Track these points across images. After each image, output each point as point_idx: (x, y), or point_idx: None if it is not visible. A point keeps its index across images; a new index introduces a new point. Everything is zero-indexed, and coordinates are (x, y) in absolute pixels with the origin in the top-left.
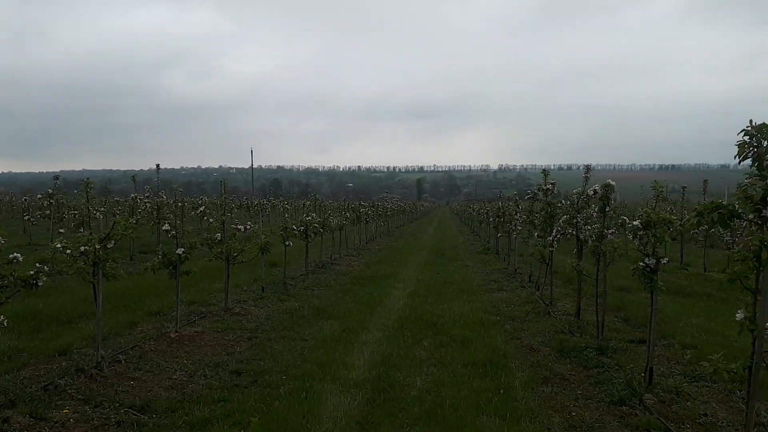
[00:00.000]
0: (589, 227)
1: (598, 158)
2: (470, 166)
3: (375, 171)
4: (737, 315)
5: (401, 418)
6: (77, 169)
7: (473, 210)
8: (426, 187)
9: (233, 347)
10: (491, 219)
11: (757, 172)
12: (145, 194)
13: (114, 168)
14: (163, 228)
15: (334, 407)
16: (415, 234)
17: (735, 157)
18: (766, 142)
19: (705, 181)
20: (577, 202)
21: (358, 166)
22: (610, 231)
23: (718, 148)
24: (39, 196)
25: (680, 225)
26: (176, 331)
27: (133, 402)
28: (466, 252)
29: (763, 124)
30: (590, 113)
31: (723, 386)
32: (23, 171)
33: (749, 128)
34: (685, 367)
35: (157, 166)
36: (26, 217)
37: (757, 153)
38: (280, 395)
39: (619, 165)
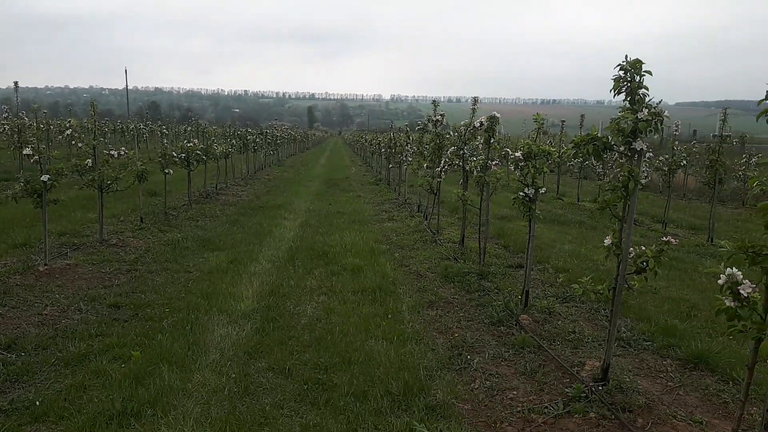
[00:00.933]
0: (474, 158)
1: (485, 92)
2: (363, 95)
3: (263, 96)
4: (605, 241)
5: (291, 346)
6: None
7: (365, 140)
8: (318, 115)
9: (111, 280)
10: (383, 150)
11: (629, 105)
12: (2, 115)
13: None
14: (25, 153)
15: (221, 338)
16: (307, 164)
17: (610, 91)
18: (638, 77)
19: (582, 116)
20: (465, 133)
21: (245, 91)
22: (493, 162)
23: (595, 85)
24: None
25: (558, 156)
26: (46, 264)
27: None
28: (359, 183)
29: (637, 59)
30: (480, 47)
31: (590, 306)
32: None
33: (624, 63)
34: (557, 290)
35: (16, 84)
36: None
37: (630, 87)
38: (163, 328)
39: (504, 99)
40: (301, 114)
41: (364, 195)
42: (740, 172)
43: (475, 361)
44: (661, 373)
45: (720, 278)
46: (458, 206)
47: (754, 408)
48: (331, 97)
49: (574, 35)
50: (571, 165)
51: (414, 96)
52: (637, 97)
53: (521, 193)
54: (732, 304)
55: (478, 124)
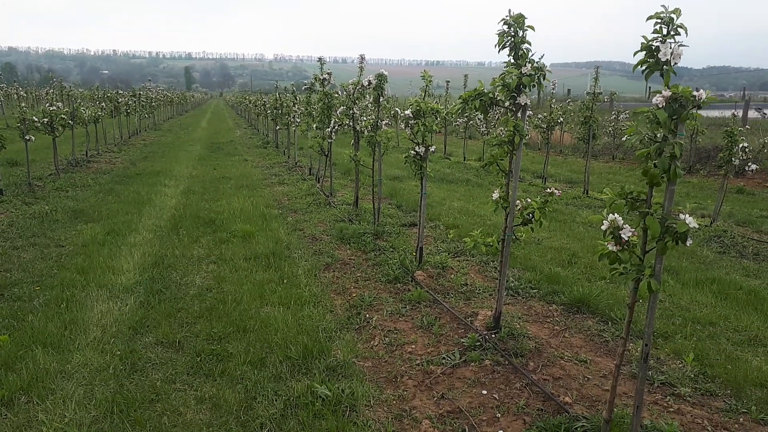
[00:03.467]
0: (365, 118)
1: (370, 53)
2: (244, 54)
3: (135, 56)
4: (493, 195)
5: (180, 318)
6: None
7: (250, 102)
8: (196, 76)
9: None
10: (269, 111)
11: (513, 61)
12: None
13: None
14: None
15: (101, 314)
16: (187, 127)
17: (495, 46)
18: (521, 32)
19: (465, 76)
20: (353, 92)
21: (114, 51)
22: (384, 122)
23: (476, 47)
24: None
25: (446, 114)
26: None
27: None
28: (245, 146)
29: (520, 14)
30: (365, 8)
31: (480, 259)
32: None
33: (508, 18)
34: (449, 245)
35: None
36: None
37: (514, 42)
38: (34, 308)
39: (390, 59)
40: (177, 75)
41: (252, 159)
42: (610, 128)
43: (374, 318)
44: (548, 318)
45: (603, 224)
46: (351, 168)
47: (631, 345)
48: (210, 57)
49: None
50: (457, 125)
51: (298, 56)
52: (520, 53)
53: (412, 152)
54: (614, 248)
55: (366, 83)
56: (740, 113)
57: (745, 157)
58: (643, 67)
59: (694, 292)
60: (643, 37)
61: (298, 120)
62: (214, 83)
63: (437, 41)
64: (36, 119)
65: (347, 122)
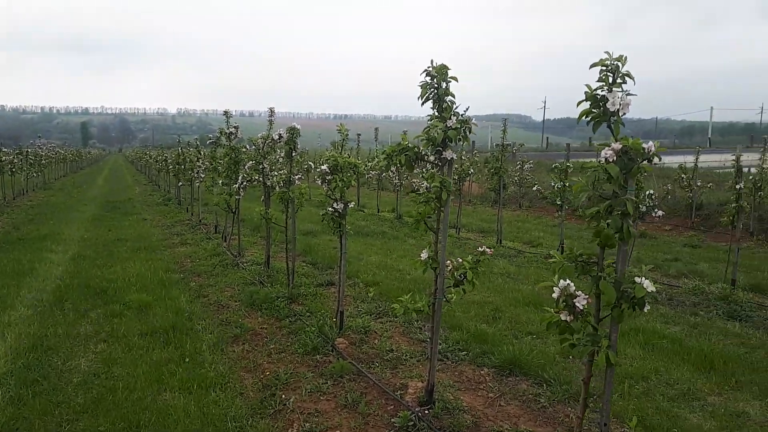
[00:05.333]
0: (276, 173)
1: (278, 106)
2: (146, 109)
3: (25, 112)
4: (422, 255)
5: (59, 415)
6: None
7: (150, 157)
8: (93, 131)
9: None
10: (171, 167)
11: (437, 114)
12: None
13: None
14: None
15: None
16: (81, 185)
17: (418, 98)
18: (445, 83)
19: (376, 129)
20: (263, 146)
21: (2, 106)
22: (296, 176)
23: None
24: None
25: (367, 169)
26: None
27: None
28: (144, 204)
29: (443, 65)
30: (271, 63)
31: (404, 319)
32: None
33: (431, 69)
34: (370, 305)
35: None
36: None
37: (437, 94)
38: None
39: (297, 113)
40: (73, 131)
41: (152, 217)
42: (516, 178)
43: (291, 400)
44: (480, 384)
45: (554, 292)
46: (260, 224)
47: (571, 409)
48: (109, 112)
49: (361, 55)
50: (369, 177)
51: (203, 109)
52: (444, 105)
53: (330, 209)
54: (569, 318)
55: (277, 137)
56: None
57: (651, 204)
58: (588, 118)
59: (622, 344)
60: (587, 86)
61: (203, 175)
62: (113, 139)
63: (344, 95)
64: None
65: (257, 177)
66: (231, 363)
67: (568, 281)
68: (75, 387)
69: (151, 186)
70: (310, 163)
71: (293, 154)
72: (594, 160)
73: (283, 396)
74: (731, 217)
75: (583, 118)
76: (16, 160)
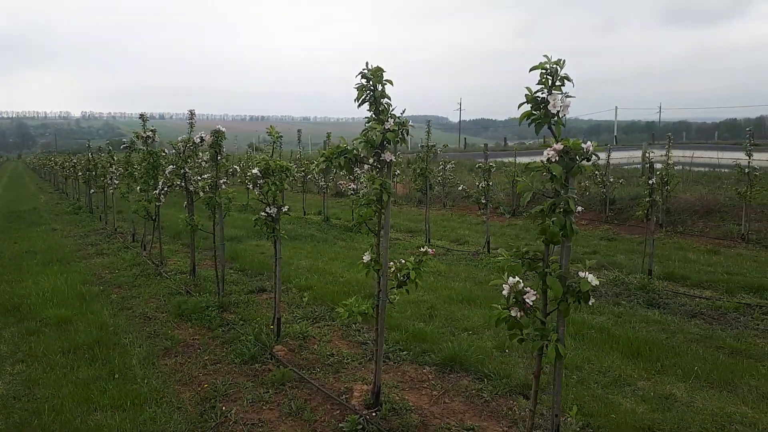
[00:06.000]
0: (199, 177)
1: (190, 107)
2: (46, 112)
3: None
4: (364, 257)
5: None
6: None
7: (56, 164)
8: None
9: None
10: (80, 173)
11: (375, 116)
12: None
13: None
14: None
15: None
16: None
17: (355, 101)
18: (380, 86)
19: (299, 131)
20: (184, 150)
21: None
22: (222, 180)
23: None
24: None
25: (303, 171)
26: None
27: None
28: (52, 213)
29: (378, 67)
30: (181, 63)
31: (341, 323)
32: None
33: (366, 71)
34: (305, 310)
35: None
36: None
37: (374, 96)
38: None
39: (212, 115)
40: None
41: (62, 227)
42: (439, 177)
43: (233, 411)
44: (424, 384)
45: (504, 288)
46: (181, 230)
47: (509, 401)
48: (5, 116)
49: (276, 54)
50: (294, 180)
51: (110, 113)
52: (381, 107)
53: (263, 213)
54: (519, 314)
55: (199, 140)
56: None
57: None
58: (530, 120)
59: None
60: (527, 88)
61: (117, 182)
62: (10, 144)
63: (260, 96)
64: None
65: (178, 183)
66: (164, 377)
67: (517, 278)
68: None
69: (58, 194)
70: (236, 166)
71: (219, 158)
72: (537, 159)
73: (224, 408)
74: (645, 211)
75: (525, 119)
76: None
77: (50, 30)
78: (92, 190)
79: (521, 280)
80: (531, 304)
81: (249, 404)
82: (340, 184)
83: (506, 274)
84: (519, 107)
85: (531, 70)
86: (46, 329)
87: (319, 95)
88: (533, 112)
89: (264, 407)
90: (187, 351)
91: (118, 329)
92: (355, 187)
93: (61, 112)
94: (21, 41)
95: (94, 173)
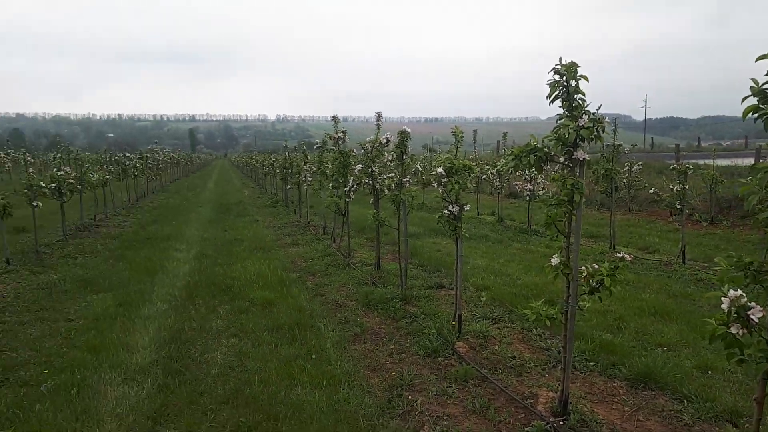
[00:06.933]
0: (384, 176)
1: (370, 110)
2: (247, 115)
3: (140, 120)
4: (552, 260)
5: (203, 404)
6: None
7: (257, 162)
8: (200, 137)
9: None
10: (278, 171)
11: (567, 113)
12: None
13: None
14: None
15: (116, 401)
16: (194, 188)
17: (547, 98)
18: (574, 81)
19: (475, 131)
20: (371, 150)
21: (119, 114)
22: (406, 179)
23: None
24: None
25: (495, 170)
26: None
27: None
28: (254, 206)
29: (573, 62)
30: (360, 66)
31: (522, 326)
32: None
33: (559, 67)
34: (483, 309)
35: None
36: None
37: (567, 92)
38: (42, 395)
39: (390, 117)
40: (182, 137)
41: (263, 219)
42: (624, 180)
43: (418, 401)
44: (614, 397)
45: (722, 302)
46: (365, 225)
47: (717, 429)
48: (214, 119)
49: (451, 56)
50: (475, 179)
51: (300, 116)
52: (574, 104)
53: (446, 212)
54: (741, 332)
55: (384, 140)
56: (747, 161)
57: None
58: (756, 115)
59: None
60: (753, 80)
61: (310, 179)
62: (218, 144)
63: (434, 97)
64: (43, 184)
65: (366, 180)
66: (355, 361)
67: (739, 291)
68: (214, 378)
69: (258, 189)
70: (417, 166)
71: (404, 158)
72: (742, 161)
73: (410, 397)
74: None
75: (749, 114)
76: (138, 165)
77: (251, 42)
78: (288, 186)
79: (744, 294)
80: (757, 321)
81: (433, 396)
82: (516, 184)
83: (726, 286)
84: (743, 101)
85: (757, 59)
86: (254, 309)
87: (492, 96)
88: (761, 106)
89: (448, 401)
90: (374, 338)
91: (314, 313)
92: (531, 188)
93: (259, 115)
94: (227, 52)
95: (290, 171)
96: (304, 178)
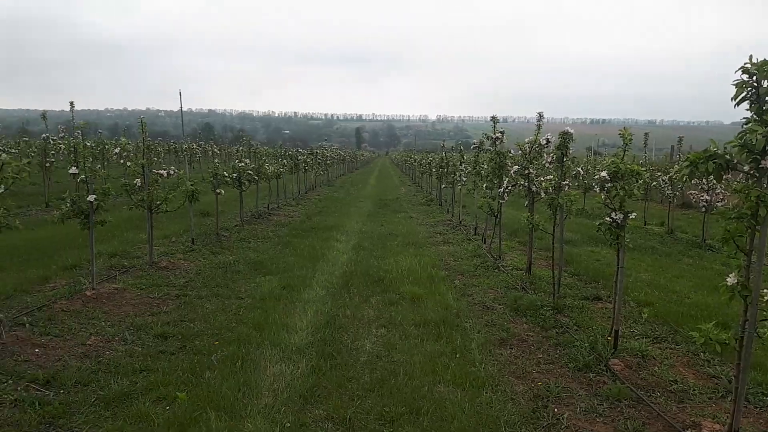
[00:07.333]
0: (542, 178)
1: (529, 111)
2: (409, 116)
3: (312, 118)
4: (728, 279)
5: (351, 389)
6: None
7: (414, 160)
8: (365, 136)
9: (159, 306)
10: (434, 170)
11: (756, 117)
12: (59, 135)
13: (32, 108)
14: (70, 172)
15: (274, 377)
16: (356, 184)
17: (732, 99)
18: (766, 82)
19: (646, 134)
20: (530, 151)
21: (295, 113)
22: (565, 183)
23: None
24: None
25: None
26: (93, 288)
27: (36, 375)
28: (409, 203)
29: (765, 60)
30: (522, 66)
31: (687, 348)
32: None
33: (748, 65)
34: (644, 327)
35: (71, 103)
36: None
37: (757, 94)
38: (211, 364)
39: (552, 118)
40: (349, 135)
41: (416, 216)
42: None
43: (565, 416)
44: None
45: None
46: (518, 228)
47: None
48: (378, 118)
49: (618, 54)
50: (644, 185)
51: (460, 116)
52: (765, 107)
53: (608, 219)
54: None
55: (544, 141)
56: None
57: None
58: None
59: None
60: None
61: (464, 179)
62: (381, 143)
63: (601, 98)
64: (226, 174)
65: (522, 182)
66: (499, 366)
67: None
68: (362, 366)
69: (414, 187)
70: (579, 169)
71: (564, 160)
72: None
73: (556, 410)
74: None
75: None
76: (308, 160)
77: (414, 45)
78: (443, 185)
79: None
80: None
81: (582, 412)
82: (690, 194)
83: None
84: None
85: None
86: (403, 302)
87: (667, 96)
88: None
89: (597, 419)
90: (521, 345)
91: (460, 313)
92: (708, 198)
93: (420, 115)
94: (393, 54)
95: (445, 170)
96: (458, 178)
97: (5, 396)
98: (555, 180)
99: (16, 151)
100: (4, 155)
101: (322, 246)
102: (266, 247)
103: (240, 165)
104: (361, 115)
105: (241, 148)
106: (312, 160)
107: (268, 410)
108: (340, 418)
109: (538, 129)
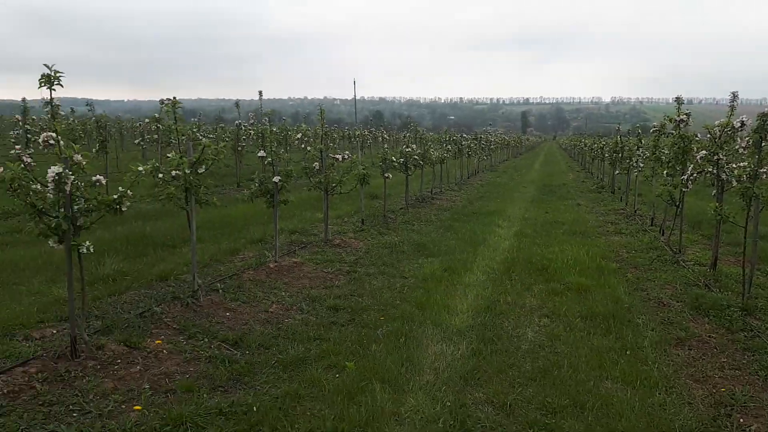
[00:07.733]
0: (734, 165)
1: (720, 92)
2: (580, 98)
3: (477, 103)
4: None
5: (511, 376)
6: (193, 98)
7: (585, 145)
8: (531, 120)
9: (332, 281)
10: (607, 155)
11: None
12: (249, 121)
13: (227, 97)
14: (259, 155)
15: (435, 356)
16: (520, 169)
17: None
18: None
19: None
20: (720, 135)
21: (460, 98)
22: (763, 170)
23: None
24: (146, 120)
25: None
26: (275, 261)
27: (227, 335)
28: (577, 190)
29: None
30: (706, 43)
31: None
32: (146, 99)
33: None
34: None
35: (260, 93)
36: (137, 141)
37: None
38: (377, 337)
39: (747, 99)
40: (514, 119)
41: (585, 204)
42: None
43: (752, 428)
44: None
45: None
46: (702, 220)
47: None
48: (546, 101)
49: None
50: None
51: (637, 98)
52: None
53: None
54: None
55: (738, 124)
56: None
57: None
58: None
59: None
60: None
61: (641, 165)
62: (548, 127)
63: None
64: (394, 159)
65: (709, 169)
66: (675, 367)
67: None
68: (523, 354)
69: (584, 173)
70: None
71: (762, 144)
72: None
73: (741, 420)
74: None
75: None
76: (472, 145)
77: (587, 25)
78: (617, 172)
79: None
80: None
81: None
82: None
83: None
84: None
85: None
86: (568, 293)
87: None
88: None
89: None
90: (702, 347)
91: (632, 308)
92: None
93: (593, 97)
94: (562, 36)
95: (620, 155)
96: (635, 164)
97: (202, 352)
98: (750, 167)
99: (213, 136)
100: (204, 139)
101: (483, 231)
102: (429, 230)
103: (407, 150)
104: (527, 99)
105: (407, 134)
106: (475, 145)
107: (429, 387)
108: (500, 403)
109: (731, 110)
